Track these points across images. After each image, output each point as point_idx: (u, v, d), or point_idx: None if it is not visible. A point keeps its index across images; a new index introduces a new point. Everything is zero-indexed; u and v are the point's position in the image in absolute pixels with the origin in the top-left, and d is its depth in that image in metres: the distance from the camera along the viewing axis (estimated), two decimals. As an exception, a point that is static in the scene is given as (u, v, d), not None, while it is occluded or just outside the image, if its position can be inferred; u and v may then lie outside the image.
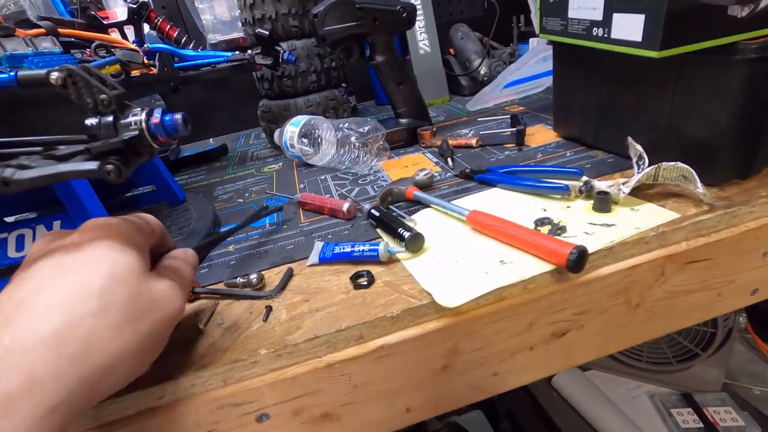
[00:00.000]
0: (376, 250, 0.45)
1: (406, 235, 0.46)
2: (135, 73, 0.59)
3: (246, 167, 0.89)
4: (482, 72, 1.07)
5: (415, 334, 0.39)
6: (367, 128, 0.69)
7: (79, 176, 0.29)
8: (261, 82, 0.92)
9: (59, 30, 0.57)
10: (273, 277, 0.48)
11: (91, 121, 0.29)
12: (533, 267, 0.40)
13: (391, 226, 0.49)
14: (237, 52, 0.78)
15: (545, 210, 0.50)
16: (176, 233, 0.57)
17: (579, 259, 0.38)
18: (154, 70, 0.63)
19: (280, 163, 0.86)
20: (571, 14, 0.54)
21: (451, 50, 1.16)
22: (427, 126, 0.80)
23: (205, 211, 0.63)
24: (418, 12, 1.10)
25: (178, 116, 0.30)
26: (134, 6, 0.74)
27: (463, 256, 0.44)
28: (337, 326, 0.38)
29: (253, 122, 1.23)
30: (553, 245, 0.40)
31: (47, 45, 0.56)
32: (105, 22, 0.75)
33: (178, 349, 0.39)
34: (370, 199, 0.62)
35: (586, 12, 0.50)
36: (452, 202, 0.54)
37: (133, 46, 0.63)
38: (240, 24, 1.08)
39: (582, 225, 0.46)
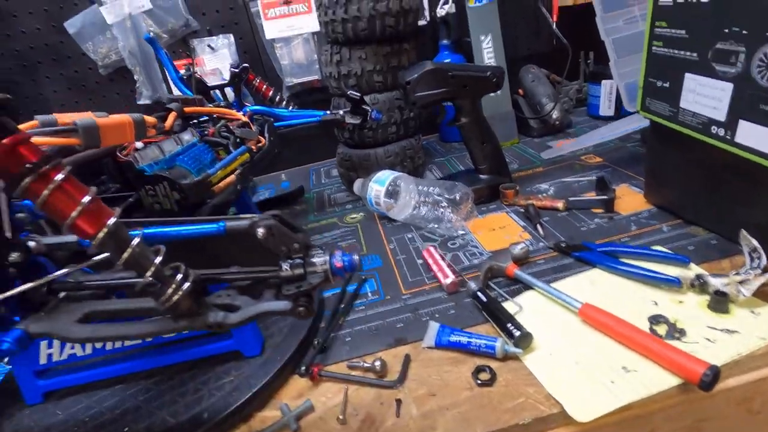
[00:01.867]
0: (494, 347, 0.47)
1: (516, 333, 0.48)
2: (250, 144, 0.63)
3: (327, 214, 0.93)
4: (554, 116, 1.07)
5: (544, 441, 0.41)
6: (458, 195, 0.71)
7: (273, 314, 0.33)
8: (341, 130, 0.96)
9: (185, 109, 0.62)
10: (391, 360, 0.51)
11: (285, 267, 0.33)
12: (661, 380, 0.42)
13: (499, 318, 0.51)
14: (328, 112, 0.82)
15: (656, 303, 0.51)
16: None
17: (713, 381, 0.39)
18: (263, 140, 0.67)
19: (361, 213, 0.90)
20: (684, 104, 0.54)
21: (520, 90, 1.16)
22: (509, 184, 0.82)
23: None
24: (489, 52, 1.11)
25: (356, 257, 0.34)
26: (236, 70, 0.79)
27: (581, 356, 0.46)
28: (472, 429, 0.41)
29: (318, 155, 1.28)
30: (684, 361, 0.41)
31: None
32: (208, 85, 0.80)
33: (324, 443, 0.42)
34: (465, 269, 0.65)
35: (704, 108, 0.51)
36: (554, 284, 0.56)
37: (243, 118, 0.67)
38: (316, 67, 1.13)
39: (701, 328, 0.46)
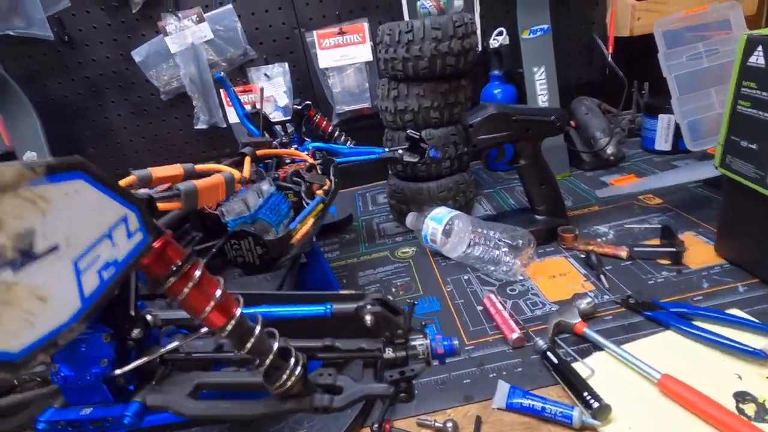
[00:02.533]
0: (570, 417, 0.47)
1: (595, 405, 0.47)
2: (319, 193, 0.64)
3: (378, 246, 0.94)
4: (609, 151, 1.05)
5: None
6: (521, 242, 0.71)
7: (375, 398, 0.33)
8: (392, 165, 0.96)
9: (257, 152, 0.64)
10: (461, 419, 0.51)
11: (388, 351, 0.33)
12: (754, 469, 0.40)
13: (574, 384, 0.50)
14: (386, 150, 0.83)
15: (740, 377, 0.49)
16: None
17: (817, 480, 0.37)
18: (329, 183, 0.68)
19: (413, 248, 0.90)
20: (774, 169, 0.52)
21: (572, 122, 1.14)
22: (568, 227, 0.81)
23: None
24: (541, 83, 1.10)
25: (456, 342, 0.34)
26: (299, 107, 0.81)
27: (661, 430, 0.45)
28: None
29: (364, 179, 1.29)
30: (781, 454, 0.39)
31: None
32: (272, 120, 0.82)
33: None
34: (528, 321, 0.64)
35: (797, 177, 0.49)
36: (626, 346, 0.55)
37: (310, 159, 0.69)
38: (367, 95, 1.14)
39: (794, 412, 0.44)
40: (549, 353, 0.55)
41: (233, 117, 1.17)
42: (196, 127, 1.17)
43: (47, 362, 0.29)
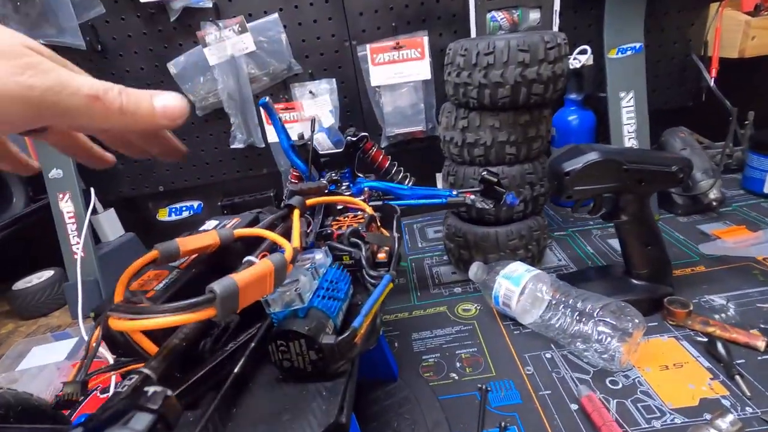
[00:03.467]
0: None
1: None
2: (381, 257, 0.51)
3: (433, 298, 0.81)
4: (712, 196, 0.88)
5: None
6: (630, 326, 0.56)
7: None
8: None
9: (306, 202, 0.52)
10: None
11: None
12: None
13: None
14: (454, 192, 0.69)
15: None
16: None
17: None
18: (394, 243, 0.55)
19: (477, 305, 0.77)
20: None
21: (661, 156, 0.98)
22: (677, 298, 0.65)
23: (432, 408, 0.55)
24: (629, 111, 0.94)
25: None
26: (354, 139, 0.69)
27: None
28: None
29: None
30: None
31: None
32: (321, 153, 0.71)
33: None
34: (636, 429, 0.49)
35: None
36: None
37: (369, 210, 0.56)
38: (421, 117, 1.02)
39: None
40: (694, 508, 0.40)
41: (272, 136, 1.06)
42: (232, 146, 1.07)
43: None
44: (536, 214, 0.82)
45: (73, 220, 0.97)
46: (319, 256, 0.44)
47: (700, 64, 0.98)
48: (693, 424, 0.49)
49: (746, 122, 1.02)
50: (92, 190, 1.02)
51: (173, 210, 1.19)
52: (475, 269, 0.76)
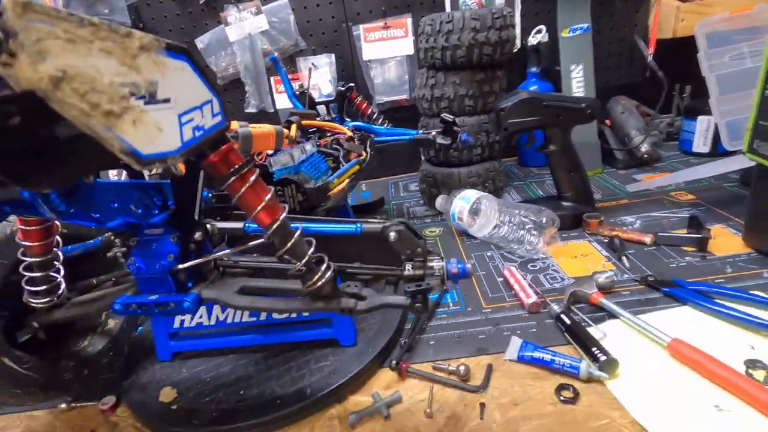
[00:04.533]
0: (578, 368, 0.49)
1: (602, 358, 0.49)
2: (353, 157, 0.70)
3: (407, 226, 0.99)
4: (643, 150, 1.05)
5: (626, 464, 0.42)
6: (544, 219, 0.74)
7: (394, 307, 0.38)
8: (427, 149, 1.01)
9: (302, 122, 0.71)
10: (473, 366, 0.54)
11: (408, 268, 0.38)
12: (756, 422, 0.41)
13: (584, 342, 0.53)
14: (420, 131, 0.88)
15: (753, 348, 0.50)
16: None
17: (817, 432, 0.38)
18: (365, 154, 0.74)
19: (441, 228, 0.94)
20: (799, 150, 0.53)
21: (607, 121, 1.15)
22: (593, 214, 0.82)
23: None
24: (578, 81, 1.12)
25: (469, 266, 0.38)
26: (342, 89, 0.88)
27: (669, 390, 0.46)
28: (555, 442, 0.43)
29: (398, 171, 1.34)
30: (783, 408, 0.40)
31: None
32: (316, 100, 0.90)
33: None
34: (547, 292, 0.66)
35: (821, 155, 0.50)
36: (641, 316, 0.56)
37: (349, 132, 0.75)
38: (406, 87, 1.20)
39: (804, 380, 0.45)
40: (563, 316, 0.57)
41: (280, 103, 1.26)
42: (246, 111, 1.27)
43: (157, 172, 0.33)
44: (492, 159, 1.00)
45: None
46: (308, 146, 0.63)
47: (641, 42, 1.16)
48: (580, 280, 0.66)
49: (684, 95, 1.19)
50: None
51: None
52: (440, 201, 0.94)
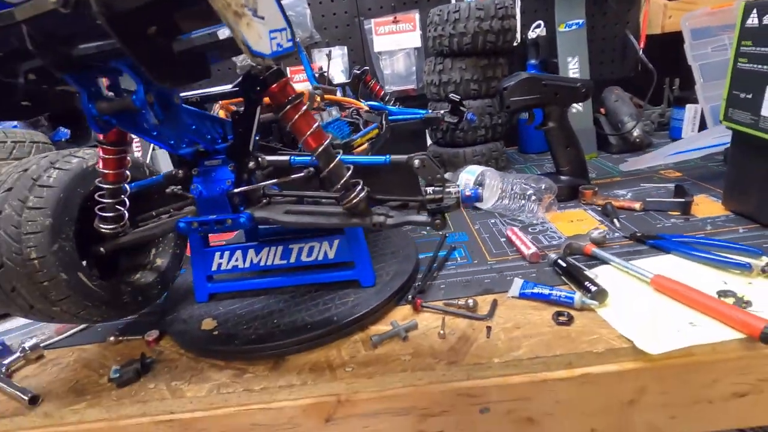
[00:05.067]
0: (572, 298, 0.56)
1: (593, 288, 0.57)
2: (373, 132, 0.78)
3: (415, 201, 1.06)
4: (635, 134, 1.13)
5: (613, 369, 0.49)
6: (543, 186, 0.81)
7: (416, 224, 0.45)
8: (435, 130, 1.09)
9: (325, 96, 0.79)
10: (480, 303, 0.61)
11: (429, 191, 0.45)
12: (724, 333, 0.48)
13: (577, 278, 0.60)
14: (430, 111, 0.95)
15: (726, 283, 0.57)
16: (390, 256, 0.73)
17: (773, 334, 0.45)
18: (382, 126, 0.82)
19: (447, 202, 1.02)
20: (765, 112, 0.61)
21: (602, 109, 1.24)
22: (589, 185, 0.90)
23: (407, 240, 0.79)
24: (574, 73, 1.20)
25: (480, 190, 0.45)
26: (358, 72, 0.96)
27: (651, 313, 0.53)
28: (552, 352, 0.50)
29: (403, 150, 1.42)
30: (745, 317, 0.47)
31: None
32: (333, 83, 0.97)
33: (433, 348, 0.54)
34: (545, 248, 0.74)
35: (782, 115, 0.57)
36: (630, 263, 0.64)
37: (365, 107, 0.83)
38: (413, 78, 1.29)
39: (768, 302, 0.52)
40: (559, 260, 0.65)
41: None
42: (263, 99, 1.34)
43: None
44: (495, 140, 1.08)
45: (139, 151, 1.25)
46: (333, 111, 0.71)
47: (632, 37, 1.25)
48: (575, 237, 0.73)
49: (673, 87, 1.28)
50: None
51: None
52: (447, 176, 1.01)
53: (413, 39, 1.27)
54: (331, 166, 0.43)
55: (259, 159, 0.48)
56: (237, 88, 0.44)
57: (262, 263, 0.65)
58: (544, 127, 0.91)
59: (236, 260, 0.66)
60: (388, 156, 0.47)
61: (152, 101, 0.35)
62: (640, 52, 1.22)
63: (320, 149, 0.42)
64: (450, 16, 0.96)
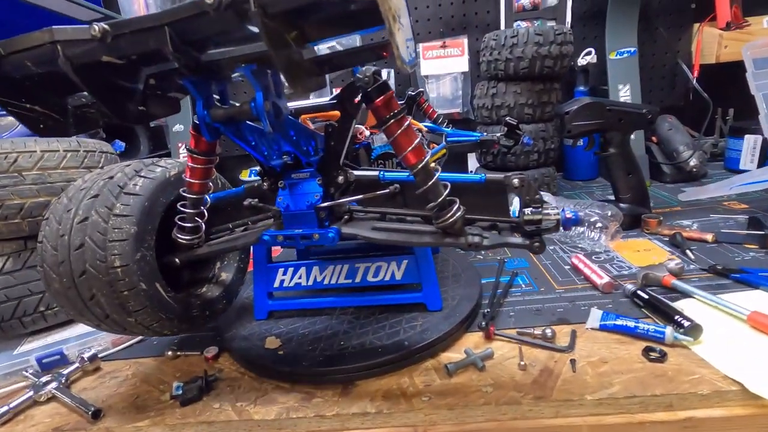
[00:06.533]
0: (663, 333, 0.53)
1: (686, 323, 0.53)
2: (433, 146, 0.77)
3: (464, 225, 1.04)
4: (691, 164, 1.10)
5: (721, 414, 0.45)
6: (609, 213, 0.78)
7: (513, 246, 0.43)
8: (484, 154, 1.08)
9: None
10: (557, 333, 0.58)
11: (527, 212, 0.43)
12: None
13: (665, 311, 0.56)
14: (485, 134, 0.94)
15: (832, 323, 0.53)
16: (451, 279, 0.70)
17: None
18: (444, 151, 0.81)
19: (498, 227, 0.99)
20: None
21: (654, 138, 1.21)
22: (652, 214, 0.86)
23: (466, 263, 0.77)
24: (626, 100, 1.19)
25: (581, 213, 0.43)
26: (413, 94, 0.96)
27: (754, 352, 0.49)
28: (650, 391, 0.46)
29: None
30: None
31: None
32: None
33: (514, 380, 0.50)
34: (616, 277, 0.70)
35: None
36: (719, 297, 0.60)
37: (425, 129, 0.82)
38: (459, 101, 1.28)
39: None
40: (639, 292, 0.61)
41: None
42: (308, 118, 1.36)
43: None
44: (548, 166, 1.06)
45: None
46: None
47: (684, 67, 1.23)
48: (649, 268, 0.69)
49: (727, 117, 1.24)
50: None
51: (253, 171, 1.48)
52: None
53: (461, 63, 1.28)
54: (430, 183, 0.41)
55: (348, 174, 0.47)
56: (335, 101, 0.43)
57: (325, 282, 0.64)
58: (604, 153, 0.88)
59: (299, 277, 0.64)
60: (483, 174, 0.45)
61: (269, 109, 0.34)
62: (694, 81, 1.20)
63: (420, 165, 0.41)
64: (507, 41, 0.95)
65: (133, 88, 0.33)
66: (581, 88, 1.24)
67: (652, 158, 1.17)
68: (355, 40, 1.15)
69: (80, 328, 0.71)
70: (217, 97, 0.37)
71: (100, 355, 0.64)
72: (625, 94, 1.18)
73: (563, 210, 0.43)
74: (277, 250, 0.93)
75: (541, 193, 0.90)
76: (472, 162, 1.31)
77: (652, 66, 1.31)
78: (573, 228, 0.82)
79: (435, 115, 1.01)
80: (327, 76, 1.07)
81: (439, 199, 0.42)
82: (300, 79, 0.29)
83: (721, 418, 0.45)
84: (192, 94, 0.34)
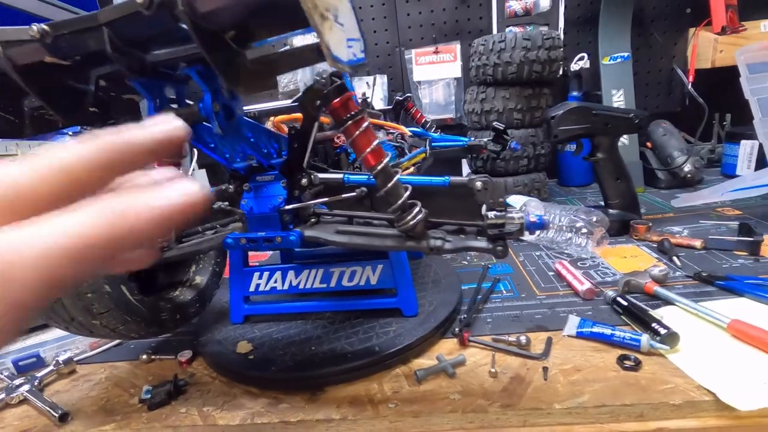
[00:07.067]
0: (639, 341, 0.51)
1: (663, 331, 0.51)
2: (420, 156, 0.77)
3: (453, 230, 1.03)
4: (686, 169, 1.08)
5: (693, 425, 0.44)
6: (594, 218, 0.77)
7: (476, 250, 0.42)
8: (475, 159, 1.07)
9: (372, 121, 0.78)
10: (532, 340, 0.56)
11: (491, 215, 0.42)
12: (825, 390, 0.42)
13: (642, 319, 0.55)
14: (472, 138, 0.94)
15: (816, 333, 0.51)
16: (431, 284, 0.69)
17: None
18: (425, 154, 0.80)
19: (487, 232, 0.98)
20: None
21: (648, 143, 1.19)
22: (641, 220, 0.85)
23: (449, 269, 0.76)
24: (620, 105, 1.17)
25: (546, 217, 0.42)
26: (400, 99, 0.96)
27: (732, 361, 0.48)
28: (621, 401, 0.45)
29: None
30: None
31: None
32: (375, 109, 0.97)
33: (481, 387, 0.49)
34: (599, 284, 0.69)
35: None
36: (700, 305, 0.58)
37: (408, 132, 0.82)
38: (452, 107, 1.28)
39: None
40: (619, 299, 0.60)
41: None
42: (302, 124, 1.37)
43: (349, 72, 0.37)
44: (538, 171, 1.05)
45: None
46: (380, 133, 0.69)
47: (680, 72, 1.21)
48: (632, 274, 0.68)
49: (724, 123, 1.23)
50: (195, 152, 1.33)
51: (248, 176, 1.48)
52: (485, 207, 0.98)
53: (453, 69, 1.28)
54: (390, 185, 0.41)
55: (312, 176, 0.46)
56: (296, 103, 0.43)
57: (301, 286, 0.63)
58: (592, 158, 0.87)
59: (275, 281, 0.64)
60: (447, 177, 0.45)
61: (218, 110, 0.34)
62: (689, 86, 1.18)
63: (379, 167, 0.40)
64: (495, 46, 0.95)
65: (83, 89, 0.34)
66: (575, 93, 1.23)
67: (647, 164, 1.16)
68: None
69: (59, 331, 0.71)
70: (173, 97, 0.37)
71: (76, 359, 0.64)
72: (618, 99, 1.17)
73: (527, 214, 0.42)
74: (266, 255, 0.93)
75: (530, 198, 0.89)
76: (467, 168, 1.30)
77: (648, 71, 1.29)
78: (562, 234, 0.81)
79: (423, 120, 1.01)
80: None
81: (399, 201, 0.41)
82: (240, 81, 0.29)
83: (693, 429, 0.44)
84: (142, 95, 0.34)
